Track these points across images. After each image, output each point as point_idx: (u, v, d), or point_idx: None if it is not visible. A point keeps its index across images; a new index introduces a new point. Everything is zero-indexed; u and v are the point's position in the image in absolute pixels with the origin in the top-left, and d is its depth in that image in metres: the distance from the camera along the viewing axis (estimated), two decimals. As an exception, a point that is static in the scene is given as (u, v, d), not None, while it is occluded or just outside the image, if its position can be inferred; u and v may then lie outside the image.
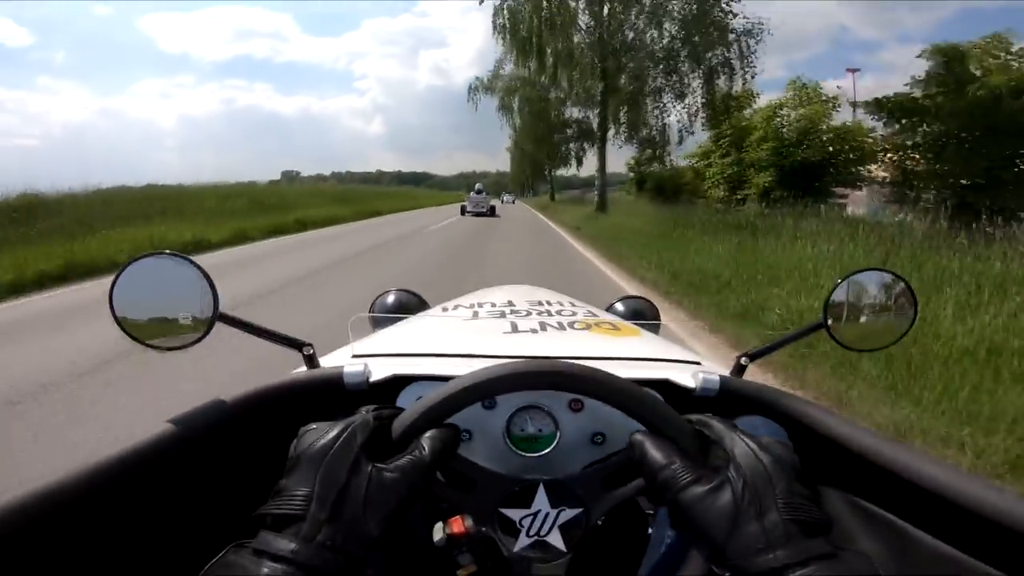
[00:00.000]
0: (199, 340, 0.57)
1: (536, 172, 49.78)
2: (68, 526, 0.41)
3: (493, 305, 0.92)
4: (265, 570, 0.34)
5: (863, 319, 0.68)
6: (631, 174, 28.01)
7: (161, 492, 0.49)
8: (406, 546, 0.56)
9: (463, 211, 21.68)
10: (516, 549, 0.45)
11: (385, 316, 1.06)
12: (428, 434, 0.44)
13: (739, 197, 16.93)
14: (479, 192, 22.66)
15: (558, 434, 0.57)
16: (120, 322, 0.54)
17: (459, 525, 0.49)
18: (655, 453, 0.44)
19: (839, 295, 0.68)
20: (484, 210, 21.16)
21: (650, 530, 0.60)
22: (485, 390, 0.45)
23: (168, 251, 0.57)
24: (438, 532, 0.50)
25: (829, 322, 0.66)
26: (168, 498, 0.50)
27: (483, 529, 0.46)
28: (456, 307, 0.96)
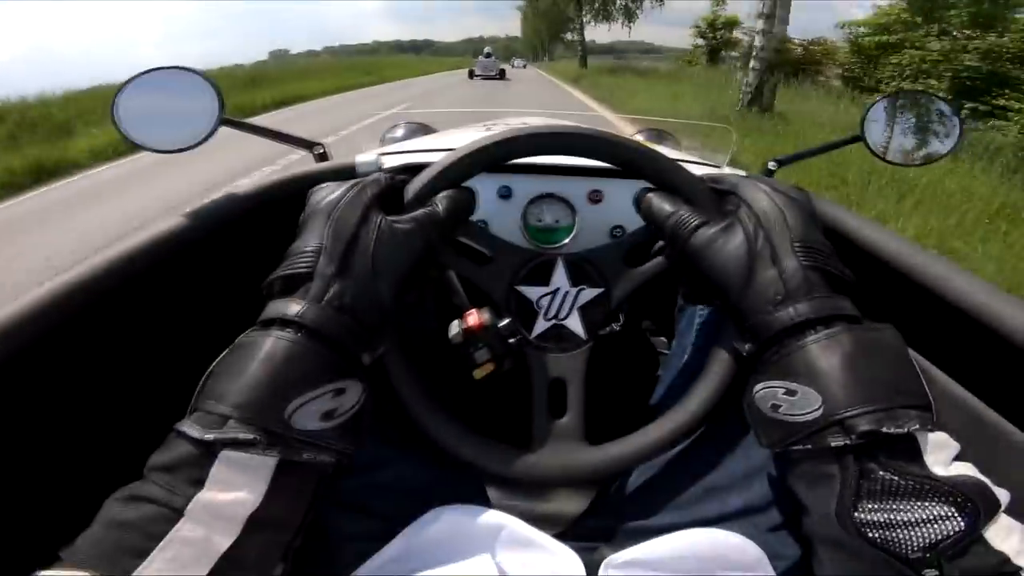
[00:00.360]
0: (204, 141, 0.55)
1: (553, 32, 44.42)
2: (87, 323, 0.42)
3: (507, 125, 0.89)
4: (269, 339, 0.32)
5: (903, 136, 0.65)
6: (700, 40, 19.75)
7: (177, 286, 0.50)
8: (421, 342, 0.55)
9: (471, 75, 21.12)
10: (535, 334, 0.44)
11: (393, 130, 1.05)
12: (443, 194, 0.42)
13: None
14: (488, 56, 21.93)
15: (576, 225, 0.55)
16: (123, 131, 0.53)
17: (475, 319, 0.46)
18: (662, 204, 0.42)
19: (878, 110, 0.65)
20: (493, 73, 20.30)
21: (660, 372, 0.60)
22: (499, 151, 0.43)
23: (171, 65, 0.55)
24: (454, 328, 0.47)
25: (865, 134, 0.63)
26: (184, 291, 0.51)
27: (500, 324, 0.45)
28: (469, 127, 0.93)
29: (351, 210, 0.38)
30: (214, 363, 0.33)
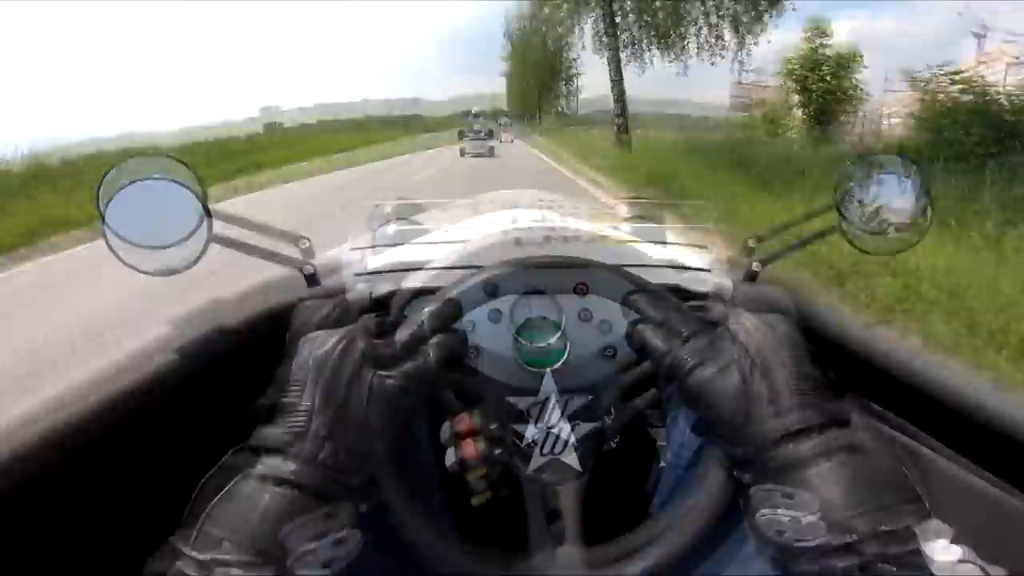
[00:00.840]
0: (195, 263, 0.54)
1: (546, 90, 32.31)
2: (73, 458, 0.42)
3: (496, 211, 0.91)
4: (266, 495, 0.34)
5: (874, 213, 0.64)
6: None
7: (161, 409, 0.50)
8: (417, 472, 0.56)
9: (462, 153, 20.74)
10: (530, 470, 0.45)
11: (385, 225, 1.06)
12: (434, 340, 0.43)
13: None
14: (477, 132, 21.19)
15: (568, 347, 0.56)
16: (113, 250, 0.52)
17: (471, 448, 0.48)
18: (655, 340, 0.43)
19: (847, 189, 0.63)
20: (483, 151, 20.03)
21: (662, 463, 0.60)
22: (487, 287, 0.45)
23: (156, 153, 0.55)
24: (450, 457, 0.48)
25: (841, 223, 0.63)
26: (168, 415, 0.51)
27: (496, 452, 0.45)
28: (458, 215, 0.96)
29: (342, 368, 0.39)
30: (203, 481, 0.34)
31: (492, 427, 0.46)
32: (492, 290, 0.55)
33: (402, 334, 0.43)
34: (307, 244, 0.64)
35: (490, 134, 20.36)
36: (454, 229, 0.89)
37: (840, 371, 0.53)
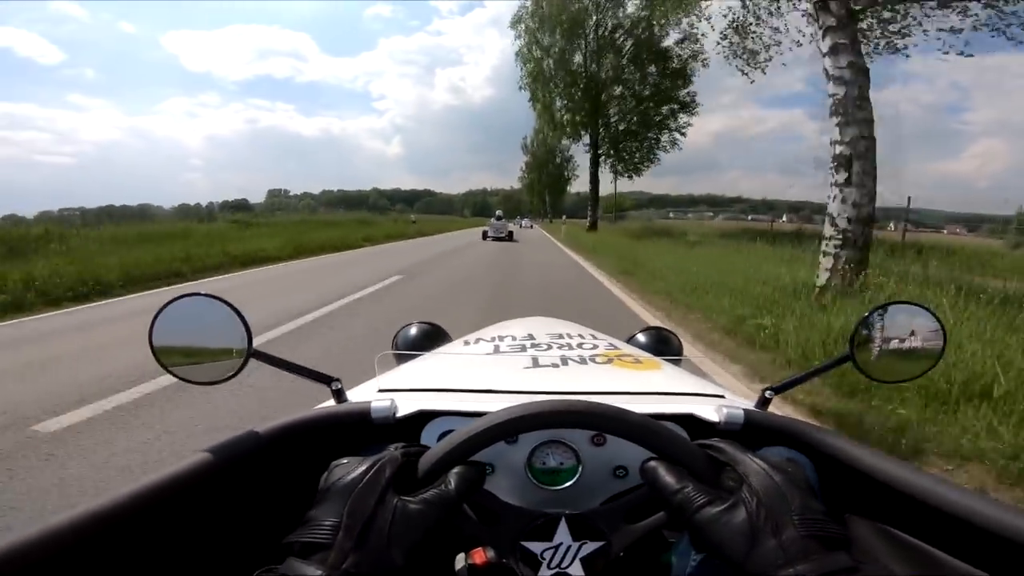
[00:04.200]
0: (236, 374, 0.59)
1: (554, 190, 43.39)
2: (102, 553, 0.42)
3: (514, 338, 0.94)
4: None
5: (889, 350, 0.67)
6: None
7: (194, 520, 0.51)
8: (428, 574, 0.57)
9: (484, 236, 23.92)
10: None
11: (408, 353, 1.08)
12: (455, 470, 0.45)
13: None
14: (499, 219, 25.21)
15: (580, 468, 0.58)
16: (160, 359, 0.57)
17: (481, 556, 0.50)
18: (668, 478, 0.45)
19: (866, 327, 0.67)
20: (503, 235, 23.47)
21: (673, 559, 0.59)
22: (506, 429, 0.46)
23: (204, 292, 0.60)
24: (459, 562, 0.51)
25: (855, 353, 0.66)
26: (200, 526, 0.51)
27: (504, 560, 0.47)
28: (478, 340, 0.98)
29: (369, 492, 0.42)
30: None
31: (503, 544, 0.47)
32: (512, 439, 0.57)
33: (424, 464, 0.46)
34: (339, 385, 0.67)
35: (505, 225, 24.86)
36: (472, 352, 0.91)
37: (848, 490, 0.54)
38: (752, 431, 0.60)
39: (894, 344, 0.67)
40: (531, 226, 39.58)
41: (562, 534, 0.47)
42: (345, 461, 0.45)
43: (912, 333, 0.68)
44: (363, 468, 0.43)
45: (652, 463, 0.47)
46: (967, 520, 0.41)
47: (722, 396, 0.71)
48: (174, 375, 0.57)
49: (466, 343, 0.99)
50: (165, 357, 0.57)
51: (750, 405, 0.67)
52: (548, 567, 0.46)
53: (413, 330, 1.22)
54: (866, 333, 0.67)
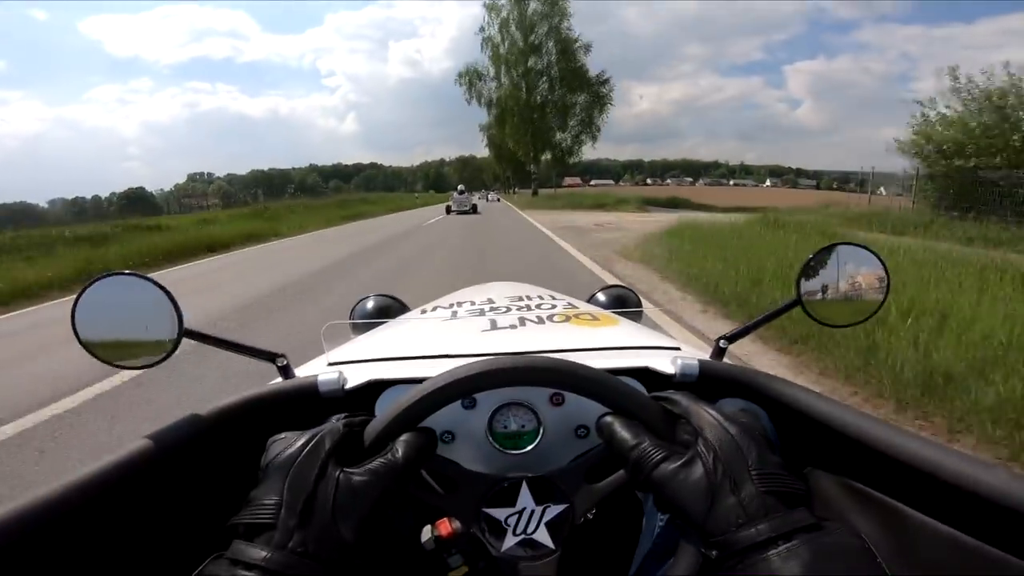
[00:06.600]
0: (167, 356, 0.56)
1: (518, 167, 46.80)
2: (46, 544, 0.40)
3: (473, 303, 0.92)
4: None
5: (835, 293, 0.68)
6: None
7: (140, 507, 0.48)
8: (393, 549, 0.56)
9: (448, 210, 24.30)
10: (504, 549, 0.45)
11: (362, 322, 1.05)
12: (402, 438, 0.44)
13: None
14: (461, 192, 25.76)
15: (541, 429, 0.57)
16: (84, 343, 0.53)
17: (446, 527, 0.49)
18: (623, 433, 0.44)
19: (813, 269, 0.68)
20: (467, 208, 23.99)
21: (639, 534, 0.59)
22: (449, 391, 0.45)
23: (128, 271, 0.56)
24: (426, 534, 0.50)
25: (803, 297, 0.67)
26: (147, 512, 0.49)
27: (471, 530, 0.46)
28: (435, 308, 0.95)
29: (309, 465, 0.40)
30: None
31: (465, 513, 0.47)
32: (469, 403, 0.56)
33: (369, 433, 0.44)
34: (285, 361, 0.64)
35: (468, 198, 25.57)
36: (429, 319, 0.89)
37: (806, 442, 0.54)
38: (709, 382, 0.60)
39: (842, 287, 0.68)
40: (497, 199, 47.40)
41: (524, 498, 0.47)
42: (283, 436, 0.43)
43: (856, 277, 0.69)
44: (302, 442, 0.42)
45: (607, 418, 0.46)
46: (929, 472, 0.40)
47: (678, 348, 0.71)
48: (101, 360, 0.54)
49: (423, 312, 0.97)
50: (91, 342, 0.54)
51: (706, 356, 0.67)
52: (514, 533, 0.46)
53: (370, 303, 1.19)
54: (814, 276, 0.68)
